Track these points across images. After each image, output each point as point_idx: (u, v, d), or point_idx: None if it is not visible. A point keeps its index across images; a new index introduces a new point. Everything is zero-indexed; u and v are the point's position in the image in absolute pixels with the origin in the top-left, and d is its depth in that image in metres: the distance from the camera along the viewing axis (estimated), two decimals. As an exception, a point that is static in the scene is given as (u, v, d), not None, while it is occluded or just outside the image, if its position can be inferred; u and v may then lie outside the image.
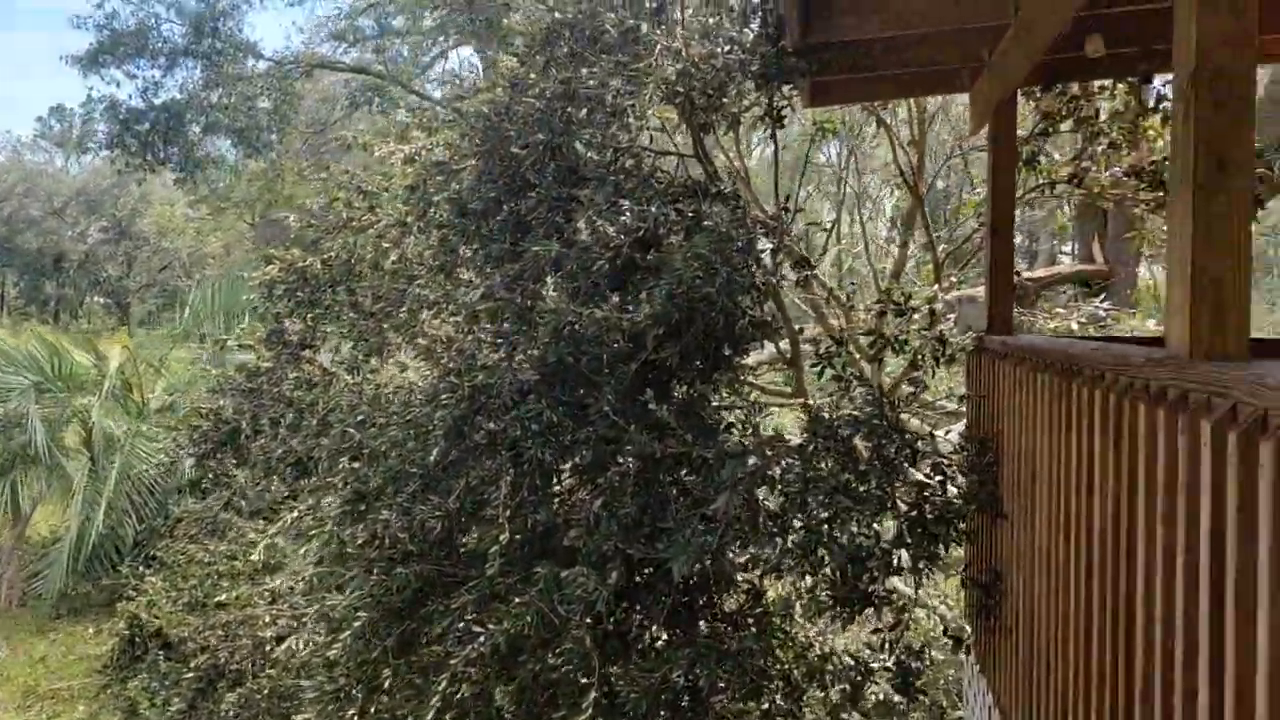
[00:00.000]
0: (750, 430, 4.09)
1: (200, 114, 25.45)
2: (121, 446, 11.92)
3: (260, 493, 6.15)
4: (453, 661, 3.56)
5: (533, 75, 4.56)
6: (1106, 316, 6.39)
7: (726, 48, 4.49)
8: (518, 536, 3.72)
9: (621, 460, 4.11)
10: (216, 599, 7.01)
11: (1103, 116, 5.55)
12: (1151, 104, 5.45)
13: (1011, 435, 3.83)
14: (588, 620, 3.61)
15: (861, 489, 4.02)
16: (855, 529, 3.91)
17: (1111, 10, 4.59)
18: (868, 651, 4.09)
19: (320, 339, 6.33)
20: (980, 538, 4.26)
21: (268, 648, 6.27)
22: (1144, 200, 5.58)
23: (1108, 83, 5.66)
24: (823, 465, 4.08)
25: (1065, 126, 5.65)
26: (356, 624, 3.57)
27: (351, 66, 27.04)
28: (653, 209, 4.52)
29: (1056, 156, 5.90)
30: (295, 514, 7.21)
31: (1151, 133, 5.46)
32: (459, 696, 3.46)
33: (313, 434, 5.95)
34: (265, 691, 5.61)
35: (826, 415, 4.02)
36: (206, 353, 12.69)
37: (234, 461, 6.14)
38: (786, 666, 4.35)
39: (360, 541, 3.76)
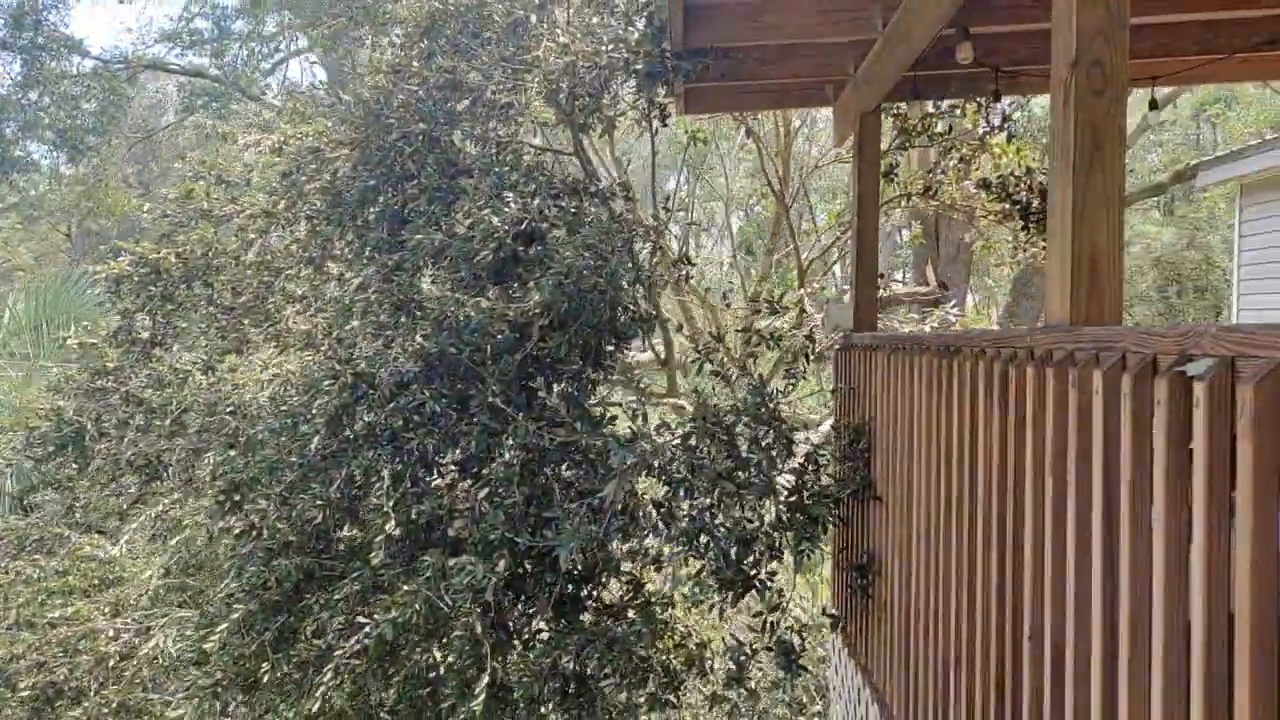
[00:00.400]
0: (639, 419, 4.14)
1: (17, 112, 23.89)
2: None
3: (104, 499, 5.78)
4: (336, 654, 3.45)
5: (415, 64, 4.51)
6: (956, 322, 6.78)
7: (610, 46, 4.56)
8: (398, 530, 3.65)
9: (506, 451, 4.10)
10: (47, 618, 6.53)
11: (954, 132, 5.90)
12: (998, 123, 5.83)
13: (885, 422, 4.01)
14: (477, 609, 3.58)
15: (742, 475, 4.13)
16: (739, 513, 4.01)
17: (968, 33, 4.90)
18: (750, 634, 4.18)
19: (173, 336, 6.03)
20: (853, 522, 4.43)
21: (110, 663, 5.88)
22: (992, 211, 5.97)
23: (958, 102, 6.03)
24: (706, 453, 4.17)
25: (919, 142, 5.98)
26: (235, 616, 3.42)
27: (186, 69, 25.90)
28: (535, 202, 4.54)
29: (914, 168, 6.25)
30: (146, 516, 6.85)
31: (997, 149, 5.85)
32: (341, 690, 3.36)
33: (165, 434, 5.67)
34: (113, 705, 5.27)
35: (714, 403, 4.11)
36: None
37: (75, 466, 5.76)
38: (667, 656, 4.41)
39: (237, 532, 3.60)
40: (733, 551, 3.91)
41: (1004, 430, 2.61)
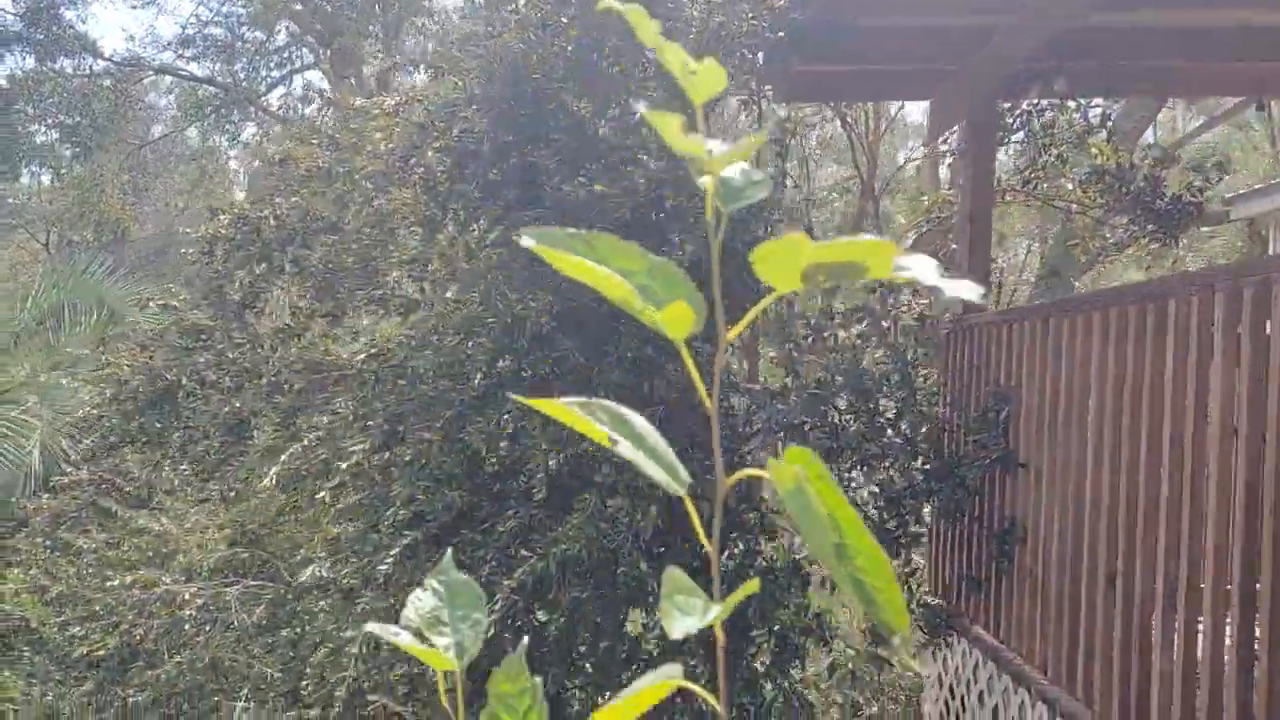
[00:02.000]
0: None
1: (30, 102, 23.80)
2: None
3: (187, 461, 5.67)
4: (506, 582, 3.41)
5: (564, 18, 4.53)
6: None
7: (750, 7, 4.60)
8: (558, 464, 3.62)
9: (655, 397, 4.09)
10: (109, 584, 6.40)
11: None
12: (1097, 122, 5.91)
13: (1034, 389, 4.02)
14: (638, 550, 3.54)
15: (884, 440, 4.13)
16: (884, 475, 4.01)
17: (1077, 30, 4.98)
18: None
19: (266, 299, 5.98)
20: (986, 493, 4.42)
21: (186, 626, 5.76)
22: (1091, 207, 6.04)
23: (1056, 100, 6.11)
24: (849, 417, 4.18)
25: (1016, 137, 6.05)
26: (404, 541, 3.36)
27: (198, 76, 25.84)
28: (666, 163, 4.56)
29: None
30: (212, 487, 6.77)
31: (1094, 150, 5.93)
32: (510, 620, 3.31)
33: (262, 394, 5.60)
34: (204, 663, 5.17)
35: (864, 366, 4.12)
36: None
37: (164, 423, 5.65)
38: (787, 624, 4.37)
39: (406, 459, 3.55)
40: (884, 512, 3.90)
41: (1257, 367, 2.62)
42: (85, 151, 24.66)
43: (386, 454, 3.69)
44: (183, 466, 5.87)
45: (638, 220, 4.45)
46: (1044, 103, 6.03)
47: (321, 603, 5.65)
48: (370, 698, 5.25)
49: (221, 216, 5.83)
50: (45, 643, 7.49)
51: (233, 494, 7.22)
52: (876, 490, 3.92)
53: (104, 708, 5.45)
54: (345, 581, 5.39)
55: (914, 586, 4.06)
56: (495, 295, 3.89)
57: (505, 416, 3.71)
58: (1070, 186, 6.01)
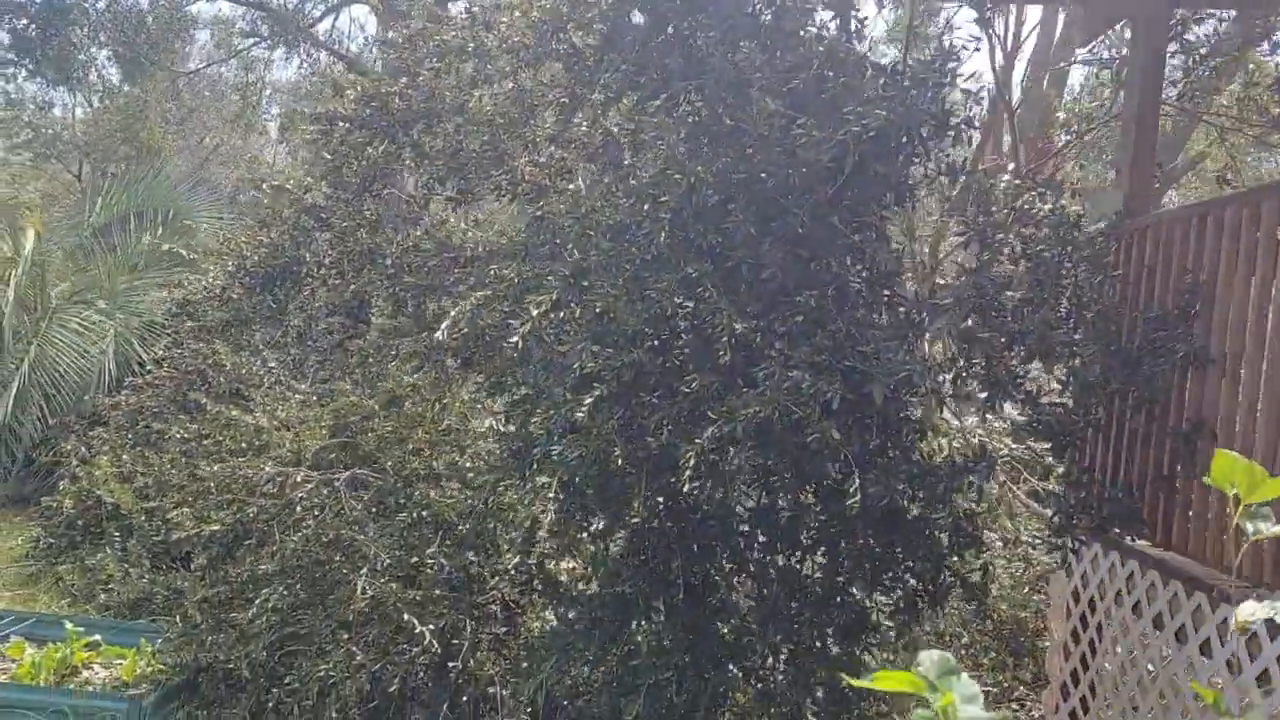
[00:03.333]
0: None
1: (83, 17, 23.56)
2: (37, 333, 10.84)
3: (321, 332, 5.57)
4: (687, 449, 3.27)
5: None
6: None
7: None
8: (741, 329, 3.47)
9: (820, 281, 3.93)
10: (200, 470, 6.34)
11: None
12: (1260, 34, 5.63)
13: (1233, 282, 3.83)
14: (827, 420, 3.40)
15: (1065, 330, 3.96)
16: (1074, 364, 3.84)
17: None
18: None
19: (384, 184, 5.83)
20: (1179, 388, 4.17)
21: (298, 508, 5.70)
22: (1255, 125, 5.77)
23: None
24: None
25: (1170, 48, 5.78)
26: (588, 402, 3.22)
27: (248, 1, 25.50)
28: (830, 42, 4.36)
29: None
30: (315, 379, 6.68)
31: (1251, 64, 5.65)
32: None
33: (386, 275, 5.48)
34: (329, 538, 5.09)
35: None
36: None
37: (272, 306, 5.53)
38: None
39: (595, 311, 3.41)
40: (1067, 402, 3.74)
41: None
42: (137, 70, 24.40)
43: (563, 312, 3.53)
44: (293, 351, 5.79)
45: (801, 97, 4.24)
46: (1202, 12, 5.76)
47: (431, 492, 5.59)
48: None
49: (348, 92, 5.67)
50: (135, 529, 7.50)
51: (336, 384, 7.12)
52: (1063, 380, 3.75)
53: (216, 583, 5.40)
54: (476, 464, 5.31)
55: (1092, 481, 3.89)
56: (673, 163, 3.71)
57: (689, 274, 3.55)
58: (1226, 103, 5.75)
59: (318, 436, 6.68)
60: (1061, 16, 7.01)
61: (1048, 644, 6.26)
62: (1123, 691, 4.61)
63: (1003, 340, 4.03)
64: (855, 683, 1.23)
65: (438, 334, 3.71)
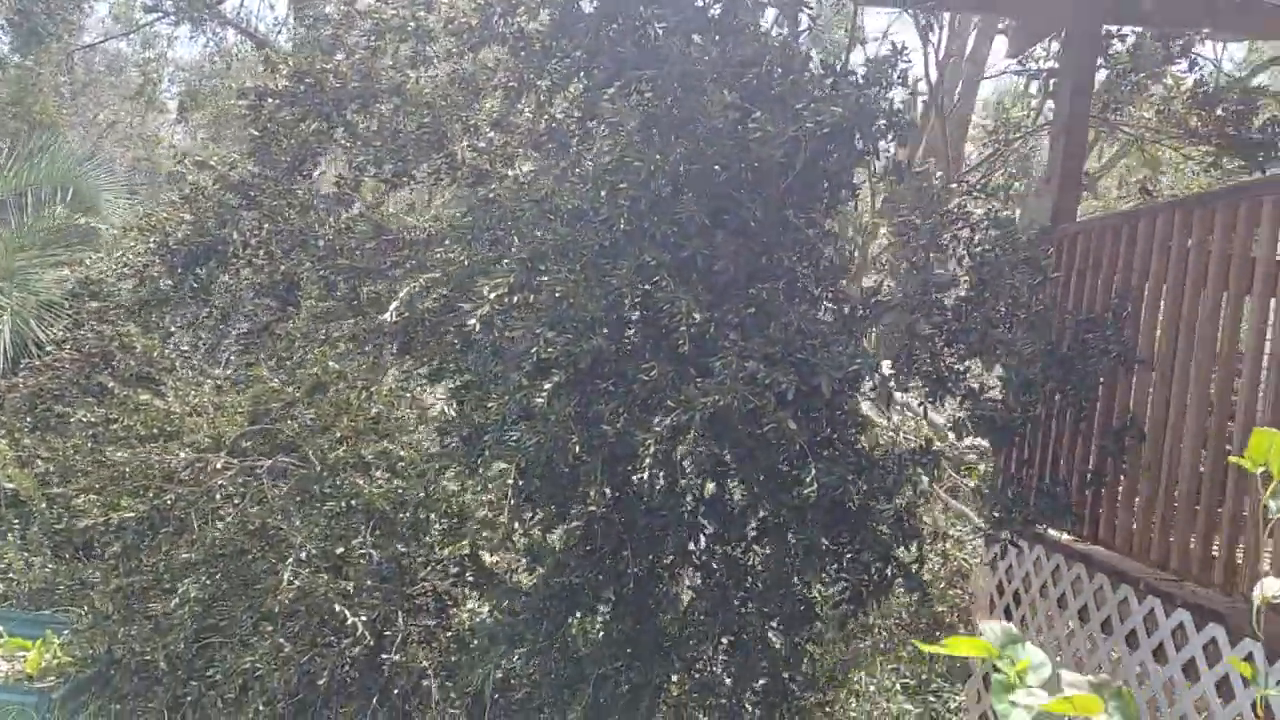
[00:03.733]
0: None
1: (-23, -17, 22.38)
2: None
3: (248, 314, 5.35)
4: (642, 436, 3.26)
5: None
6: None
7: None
8: (698, 318, 3.47)
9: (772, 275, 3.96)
10: (115, 455, 6.07)
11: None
12: (1178, 51, 5.88)
13: (1162, 285, 3.98)
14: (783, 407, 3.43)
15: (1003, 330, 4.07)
16: (1011, 361, 3.94)
17: None
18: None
19: (318, 162, 5.67)
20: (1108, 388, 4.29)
21: (217, 495, 5.49)
22: (1172, 138, 6.01)
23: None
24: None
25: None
26: (556, 378, 3.18)
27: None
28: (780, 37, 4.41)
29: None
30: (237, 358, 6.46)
31: (1171, 80, 5.89)
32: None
33: (317, 257, 5.32)
34: (254, 526, 4.92)
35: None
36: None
37: (194, 286, 5.30)
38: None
39: (550, 300, 3.36)
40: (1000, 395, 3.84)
41: None
42: (33, 40, 23.26)
43: (516, 297, 3.48)
44: (214, 334, 5.58)
45: (753, 92, 4.26)
46: (1126, 29, 5.98)
47: (360, 480, 5.46)
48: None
49: (280, 68, 5.50)
50: (35, 516, 7.15)
51: (253, 370, 6.91)
52: (1001, 378, 3.85)
53: (130, 573, 5.18)
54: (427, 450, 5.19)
55: (1026, 477, 4.01)
56: (630, 150, 3.69)
57: (646, 262, 3.54)
58: (1148, 115, 6.00)
59: (235, 423, 6.46)
60: (997, 28, 7.23)
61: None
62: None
63: (944, 337, 4.13)
64: (926, 647, 1.23)
65: (385, 315, 3.61)
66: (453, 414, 3.44)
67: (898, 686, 6.43)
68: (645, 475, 3.23)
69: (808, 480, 3.19)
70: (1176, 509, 3.74)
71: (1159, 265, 4.05)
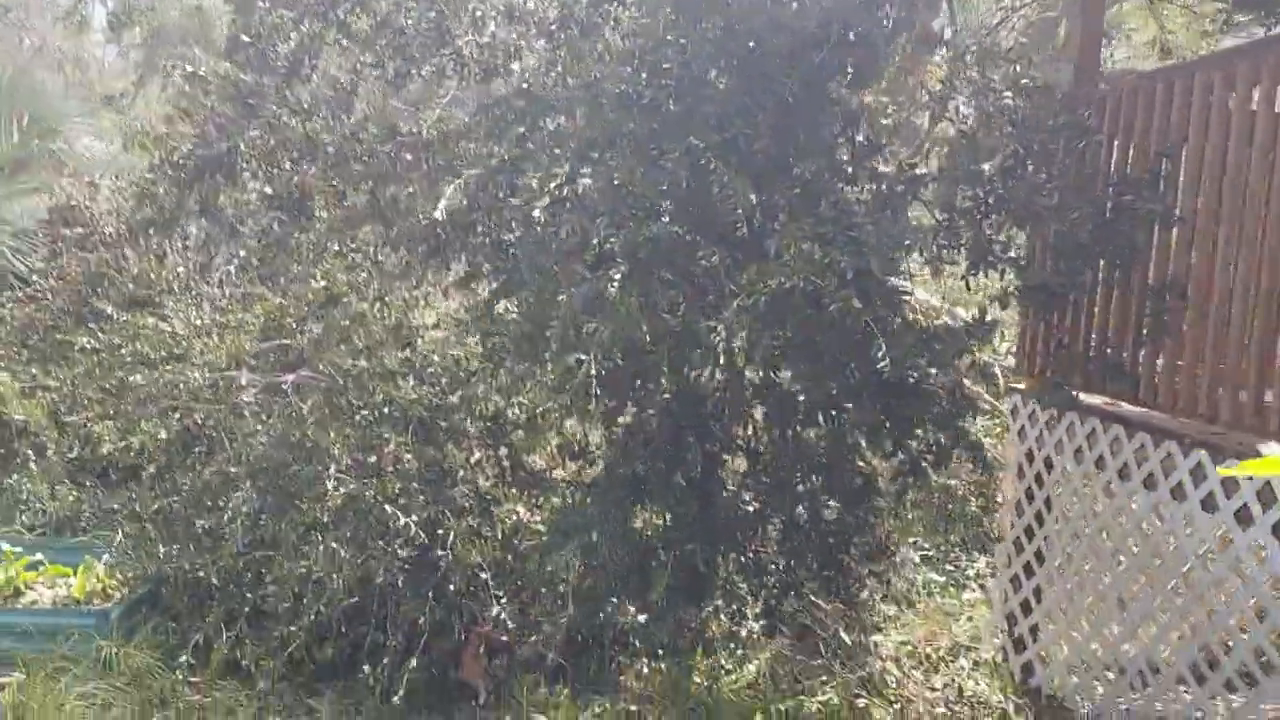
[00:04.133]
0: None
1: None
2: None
3: (260, 229, 5.22)
4: (707, 324, 3.25)
5: None
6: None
7: None
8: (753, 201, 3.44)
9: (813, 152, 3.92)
10: (131, 377, 5.98)
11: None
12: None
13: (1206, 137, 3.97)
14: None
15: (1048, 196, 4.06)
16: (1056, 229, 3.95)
17: None
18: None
19: (314, 66, 5.46)
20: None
21: (246, 413, 5.46)
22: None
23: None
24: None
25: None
26: (623, 268, 3.14)
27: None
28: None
29: None
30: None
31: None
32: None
33: (330, 164, 5.18)
34: (295, 438, 4.88)
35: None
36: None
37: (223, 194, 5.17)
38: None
39: (607, 187, 3.30)
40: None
41: None
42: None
43: (569, 187, 3.42)
44: (232, 245, 5.45)
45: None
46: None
47: (390, 390, 5.43)
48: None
49: (270, -35, 5.26)
50: (47, 446, 7.07)
51: (254, 288, 6.83)
52: (1047, 244, 3.86)
53: (168, 493, 5.16)
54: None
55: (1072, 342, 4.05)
56: (669, 28, 3.59)
57: (693, 144, 3.48)
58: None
59: (244, 342, 6.39)
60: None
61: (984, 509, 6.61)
62: (1083, 541, 4.90)
63: (984, 208, 4.12)
64: (1227, 471, 1.25)
65: (436, 213, 3.53)
66: (482, 316, 3.38)
67: (916, 559, 6.62)
68: (712, 365, 3.22)
69: (879, 357, 3.20)
70: (1224, 365, 3.81)
71: (1199, 124, 4.04)
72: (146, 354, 6.57)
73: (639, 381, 3.52)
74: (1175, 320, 4.08)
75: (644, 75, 3.61)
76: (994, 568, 6.04)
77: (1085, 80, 5.04)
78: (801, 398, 3.68)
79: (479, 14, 5.11)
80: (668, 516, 3.81)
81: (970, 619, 5.96)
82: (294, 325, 6.29)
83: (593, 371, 2.94)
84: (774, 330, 3.37)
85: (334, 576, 4.36)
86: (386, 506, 4.46)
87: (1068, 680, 4.99)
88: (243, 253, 5.38)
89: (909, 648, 5.69)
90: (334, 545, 4.51)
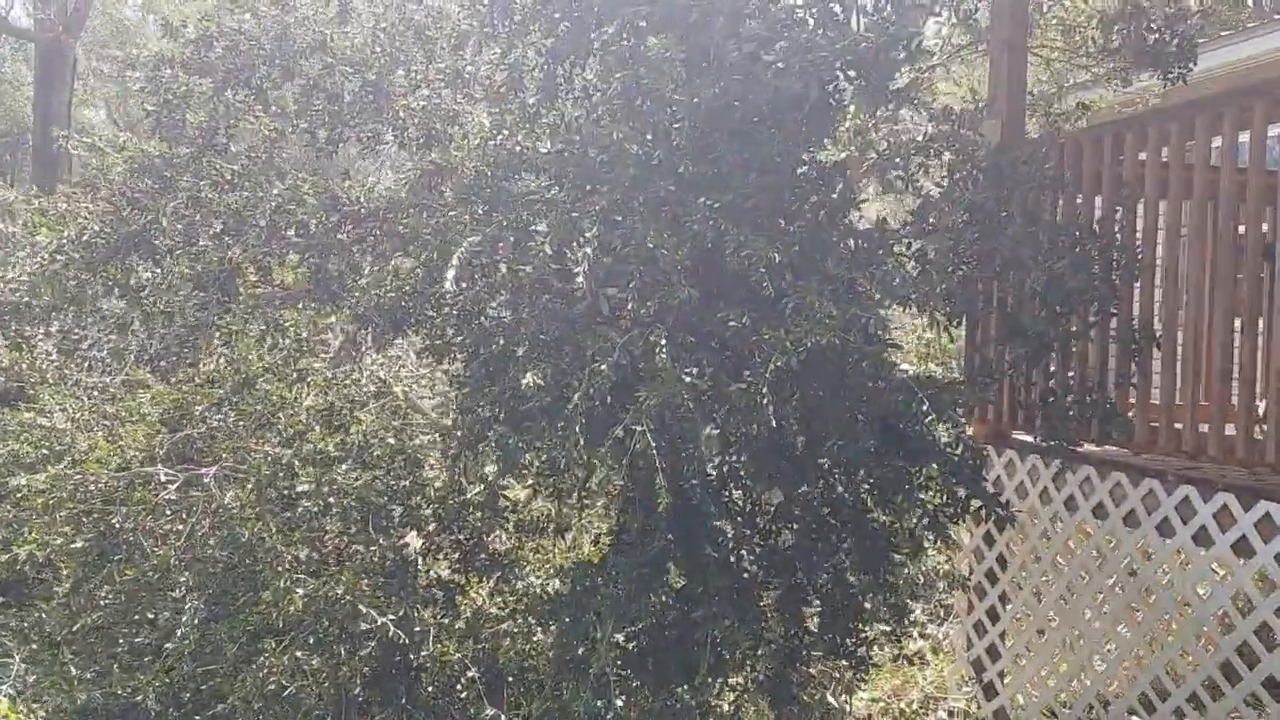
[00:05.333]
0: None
1: None
2: None
3: (180, 306, 4.74)
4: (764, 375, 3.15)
5: None
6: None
7: None
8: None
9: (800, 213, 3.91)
10: (28, 483, 5.35)
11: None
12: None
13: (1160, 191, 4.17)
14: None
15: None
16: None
17: None
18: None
19: (231, 132, 5.12)
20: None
21: (168, 511, 4.93)
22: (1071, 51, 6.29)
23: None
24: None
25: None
26: (663, 332, 2.99)
27: None
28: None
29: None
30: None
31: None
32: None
33: (260, 239, 4.82)
34: (243, 541, 4.43)
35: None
36: None
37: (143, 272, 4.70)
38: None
39: (640, 250, 3.15)
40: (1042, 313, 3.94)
41: None
42: None
43: (582, 251, 3.25)
44: (158, 326, 4.95)
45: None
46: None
47: (336, 476, 5.05)
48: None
49: (188, 28, 4.91)
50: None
51: (135, 373, 6.25)
52: (1039, 291, 3.94)
53: (86, 608, 4.60)
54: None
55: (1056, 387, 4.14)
56: (667, 85, 3.51)
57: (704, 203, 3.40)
58: (1055, 36, 6.24)
59: (140, 433, 5.84)
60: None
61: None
62: (1057, 580, 4.98)
63: (964, 259, 4.18)
64: None
65: (446, 284, 3.28)
66: (536, 381, 3.15)
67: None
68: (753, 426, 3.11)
69: (923, 412, 3.16)
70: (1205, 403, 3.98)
71: (1155, 176, 4.25)
72: (24, 453, 5.93)
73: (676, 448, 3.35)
74: (1144, 364, 4.24)
75: (647, 135, 3.51)
76: (953, 615, 6.09)
77: (1014, 136, 5.25)
78: (823, 458, 3.60)
79: (423, 78, 4.92)
80: (672, 591, 3.64)
81: (927, 668, 5.96)
82: (200, 414, 5.79)
83: (649, 445, 2.77)
84: (807, 388, 3.29)
85: (307, 690, 3.95)
86: (360, 605, 4.09)
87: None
88: (162, 335, 4.90)
89: (880, 704, 5.64)
90: (297, 654, 4.10)
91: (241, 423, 5.62)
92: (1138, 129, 4.34)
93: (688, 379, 3.07)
